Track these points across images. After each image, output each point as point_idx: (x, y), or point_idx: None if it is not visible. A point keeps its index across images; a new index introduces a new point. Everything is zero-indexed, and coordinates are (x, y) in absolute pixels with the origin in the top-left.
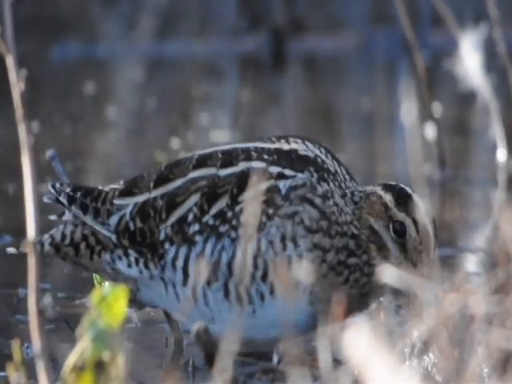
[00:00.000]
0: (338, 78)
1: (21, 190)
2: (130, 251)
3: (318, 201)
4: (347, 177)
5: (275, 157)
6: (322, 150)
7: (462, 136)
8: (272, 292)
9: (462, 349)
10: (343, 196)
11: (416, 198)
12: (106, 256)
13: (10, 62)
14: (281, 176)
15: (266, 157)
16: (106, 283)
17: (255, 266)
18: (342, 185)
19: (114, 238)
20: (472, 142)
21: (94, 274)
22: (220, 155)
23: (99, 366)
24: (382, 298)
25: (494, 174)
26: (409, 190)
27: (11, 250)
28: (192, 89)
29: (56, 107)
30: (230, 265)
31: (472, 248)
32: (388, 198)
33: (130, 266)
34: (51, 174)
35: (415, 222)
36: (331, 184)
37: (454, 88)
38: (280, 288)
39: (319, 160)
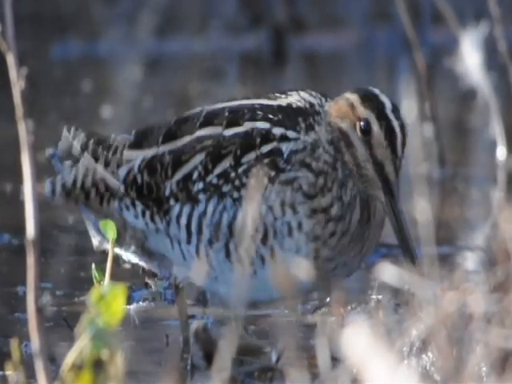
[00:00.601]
0: (339, 75)
1: (20, 188)
2: (137, 202)
3: (314, 164)
4: (323, 99)
5: (280, 116)
6: (313, 93)
7: (462, 134)
8: (272, 255)
9: (460, 347)
10: (324, 125)
11: (383, 97)
12: (115, 204)
13: (10, 60)
14: (284, 138)
15: (270, 116)
16: (105, 282)
17: (255, 229)
18: (320, 110)
19: (122, 188)
20: (472, 140)
21: (94, 273)
22: (227, 113)
23: (98, 365)
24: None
25: (494, 173)
26: (376, 91)
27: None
28: (192, 87)
29: (56, 105)
30: (230, 225)
31: (471, 246)
32: (354, 97)
33: (136, 217)
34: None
35: (380, 118)
36: (316, 127)
37: (454, 86)
38: (280, 284)
39: (308, 105)
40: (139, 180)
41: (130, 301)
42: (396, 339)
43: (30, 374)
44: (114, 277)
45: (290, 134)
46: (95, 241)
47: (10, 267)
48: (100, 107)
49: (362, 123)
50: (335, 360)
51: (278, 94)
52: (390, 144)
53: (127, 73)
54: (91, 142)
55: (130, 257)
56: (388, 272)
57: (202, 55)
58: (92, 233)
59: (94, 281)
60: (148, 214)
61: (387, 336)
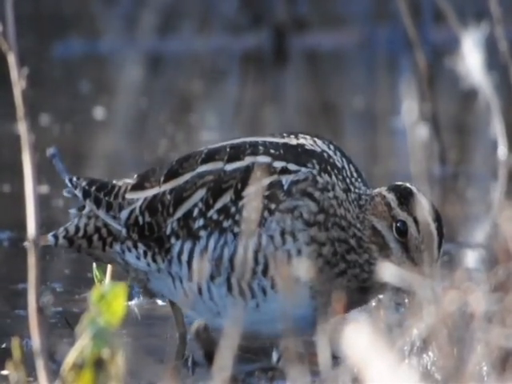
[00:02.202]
0: (340, 74)
1: (21, 186)
2: (139, 244)
3: (317, 194)
4: (355, 174)
5: (281, 151)
6: (331, 146)
7: (463, 133)
8: (273, 286)
9: (461, 347)
10: (346, 191)
11: (420, 197)
12: (117, 246)
13: (11, 60)
14: (284, 171)
15: (272, 151)
16: (106, 281)
17: (256, 261)
18: (347, 180)
19: (124, 231)
20: (473, 139)
21: (95, 272)
22: (228, 149)
23: (99, 364)
24: (382, 295)
25: (495, 171)
26: (413, 190)
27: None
28: (193, 86)
29: (56, 104)
30: (232, 260)
31: (472, 244)
32: (391, 197)
33: (138, 258)
34: (52, 172)
35: (417, 221)
36: (333, 177)
37: (456, 85)
38: (281, 283)
39: (325, 154)
40: (140, 221)
41: (130, 297)
42: (397, 338)
43: (31, 371)
44: (115, 276)
45: (291, 166)
46: None
47: (10, 264)
48: (102, 106)
49: (398, 224)
50: (336, 359)
51: (285, 134)
52: (428, 248)
53: (128, 72)
54: (93, 189)
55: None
56: (389, 271)
57: (202, 54)
58: None
59: (95, 280)
60: (150, 254)
61: (388, 335)
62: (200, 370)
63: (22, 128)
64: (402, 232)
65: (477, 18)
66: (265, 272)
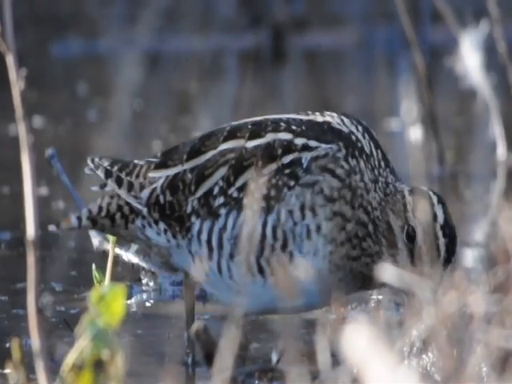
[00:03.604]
0: (338, 74)
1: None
2: (160, 222)
3: (339, 171)
4: (382, 163)
5: (303, 128)
6: (360, 128)
7: (462, 133)
8: (291, 261)
9: (461, 348)
10: (374, 181)
11: (438, 207)
12: (138, 222)
13: (10, 60)
14: (305, 148)
15: (294, 128)
16: (106, 282)
17: (274, 237)
18: (376, 171)
19: (145, 211)
20: (471, 139)
21: (94, 273)
22: (250, 126)
23: (98, 365)
24: (381, 291)
25: (493, 172)
26: (433, 198)
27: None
28: (192, 85)
29: (54, 104)
30: (250, 238)
31: (470, 243)
32: (409, 200)
33: (158, 234)
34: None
35: (426, 232)
36: (362, 164)
37: (454, 85)
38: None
39: (353, 137)
40: (162, 200)
41: (129, 296)
42: (396, 339)
43: (31, 371)
44: (114, 277)
45: (312, 143)
46: (95, 241)
47: (9, 264)
48: (102, 105)
49: (409, 229)
50: (335, 360)
51: (310, 112)
52: (433, 261)
53: (127, 71)
54: (114, 169)
55: (130, 256)
56: (388, 272)
57: (201, 54)
58: (92, 233)
59: (95, 281)
60: (170, 232)
61: (387, 336)
62: (200, 371)
63: (21, 129)
64: (411, 237)
65: (475, 18)
66: (284, 248)
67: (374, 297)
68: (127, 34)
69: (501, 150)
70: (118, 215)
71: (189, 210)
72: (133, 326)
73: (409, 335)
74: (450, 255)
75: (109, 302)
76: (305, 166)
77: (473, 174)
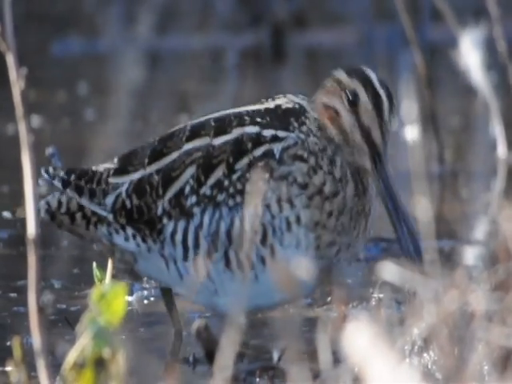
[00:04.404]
0: None
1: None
2: (127, 227)
3: (305, 154)
4: (309, 98)
5: (267, 118)
6: (300, 95)
7: (462, 132)
8: (272, 255)
9: (462, 346)
10: (312, 119)
11: (368, 70)
12: (103, 229)
13: (10, 60)
14: (275, 139)
15: (258, 120)
16: (107, 280)
17: (255, 231)
18: (308, 107)
19: (110, 217)
20: (471, 138)
21: (95, 271)
22: (213, 123)
23: (99, 364)
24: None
25: (493, 170)
26: (361, 66)
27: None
28: (192, 84)
29: (56, 102)
30: (228, 233)
31: (471, 241)
32: (340, 73)
33: (127, 239)
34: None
35: (366, 87)
36: (307, 121)
37: (454, 84)
38: (281, 283)
39: (297, 106)
40: (128, 205)
41: (130, 293)
42: (397, 338)
43: (32, 369)
44: (115, 275)
45: (281, 133)
46: None
47: (10, 261)
48: (102, 104)
49: (348, 93)
50: (337, 358)
51: (263, 100)
52: (376, 109)
53: (127, 70)
54: (72, 177)
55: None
56: (389, 270)
57: (201, 52)
58: None
59: (95, 279)
60: (139, 236)
61: (388, 334)
62: (201, 369)
63: (21, 128)
64: (353, 100)
65: (475, 17)
66: (263, 241)
67: (375, 295)
68: (127, 32)
69: (501, 149)
70: (78, 214)
71: (159, 212)
72: (134, 323)
73: (410, 333)
74: (391, 103)
75: (110, 300)
76: (277, 156)
77: (473, 173)
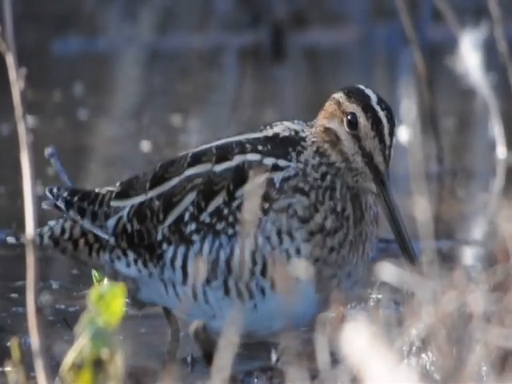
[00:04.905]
0: (338, 72)
1: (15, 185)
2: (129, 252)
3: (307, 187)
4: (305, 124)
5: (269, 146)
6: (295, 121)
7: (461, 132)
8: (273, 286)
9: (460, 347)
10: (310, 148)
11: (368, 90)
12: (105, 256)
13: (10, 60)
14: (275, 168)
15: (260, 148)
16: (105, 281)
17: (254, 262)
18: (305, 134)
19: (112, 240)
20: (471, 138)
21: (93, 272)
22: (214, 151)
23: (98, 364)
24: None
25: (493, 170)
26: (361, 86)
27: (11, 239)
28: (192, 82)
29: (55, 102)
30: (228, 262)
31: (469, 241)
32: (339, 95)
33: (128, 265)
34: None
35: (366, 110)
36: (304, 151)
37: (454, 84)
38: (280, 285)
39: (293, 133)
40: (129, 229)
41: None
42: (396, 338)
43: (30, 369)
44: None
45: (281, 162)
46: None
47: (8, 262)
48: (102, 103)
49: (348, 117)
50: (335, 359)
51: (262, 127)
52: (378, 134)
53: (128, 68)
54: (75, 199)
55: None
56: (388, 271)
57: (201, 51)
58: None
59: (94, 280)
60: (140, 261)
61: (387, 335)
62: (199, 369)
63: (21, 128)
64: (353, 123)
65: (475, 18)
66: (263, 272)
67: (374, 296)
68: (127, 31)
69: (500, 149)
70: (81, 241)
71: (159, 237)
72: (132, 324)
73: (408, 334)
74: (392, 126)
75: (108, 301)
76: (277, 186)
77: (472, 173)
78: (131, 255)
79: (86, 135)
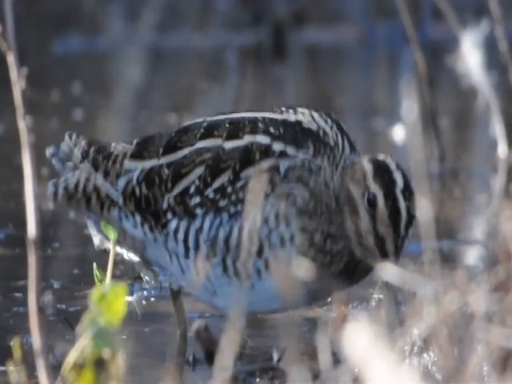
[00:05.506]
0: (339, 71)
1: (14, 184)
2: (136, 214)
3: (311, 182)
4: (348, 148)
5: (281, 130)
6: (329, 121)
7: (462, 131)
8: (267, 268)
9: (461, 347)
10: (335, 168)
11: (396, 174)
12: (114, 212)
13: (10, 60)
14: (283, 155)
15: (271, 130)
16: (107, 280)
17: (250, 242)
18: (338, 157)
19: (120, 200)
20: (472, 137)
21: (95, 272)
22: (227, 125)
23: (99, 364)
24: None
25: (494, 170)
26: (391, 166)
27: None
28: (193, 82)
29: (56, 101)
30: (227, 240)
31: (471, 240)
32: (368, 168)
33: (135, 226)
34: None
35: (387, 197)
36: (325, 161)
37: (455, 83)
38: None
39: (321, 132)
40: (137, 192)
41: (130, 294)
42: (397, 338)
43: (32, 369)
44: (115, 275)
45: (290, 150)
46: (96, 240)
47: (9, 261)
48: (102, 103)
49: (370, 196)
50: (336, 359)
51: (284, 109)
52: (393, 224)
53: (129, 68)
54: (92, 149)
55: (131, 255)
56: (389, 271)
57: (202, 50)
58: (93, 232)
59: (95, 279)
60: (146, 225)
61: (388, 335)
62: (201, 369)
63: (22, 127)
64: (372, 204)
65: (476, 17)
66: (259, 253)
67: (375, 296)
68: (128, 30)
69: (501, 148)
70: (93, 196)
71: (165, 206)
72: (134, 324)
73: (410, 334)
74: (410, 217)
75: (110, 301)
76: (282, 173)
77: (473, 172)
78: (138, 217)
79: (86, 134)
